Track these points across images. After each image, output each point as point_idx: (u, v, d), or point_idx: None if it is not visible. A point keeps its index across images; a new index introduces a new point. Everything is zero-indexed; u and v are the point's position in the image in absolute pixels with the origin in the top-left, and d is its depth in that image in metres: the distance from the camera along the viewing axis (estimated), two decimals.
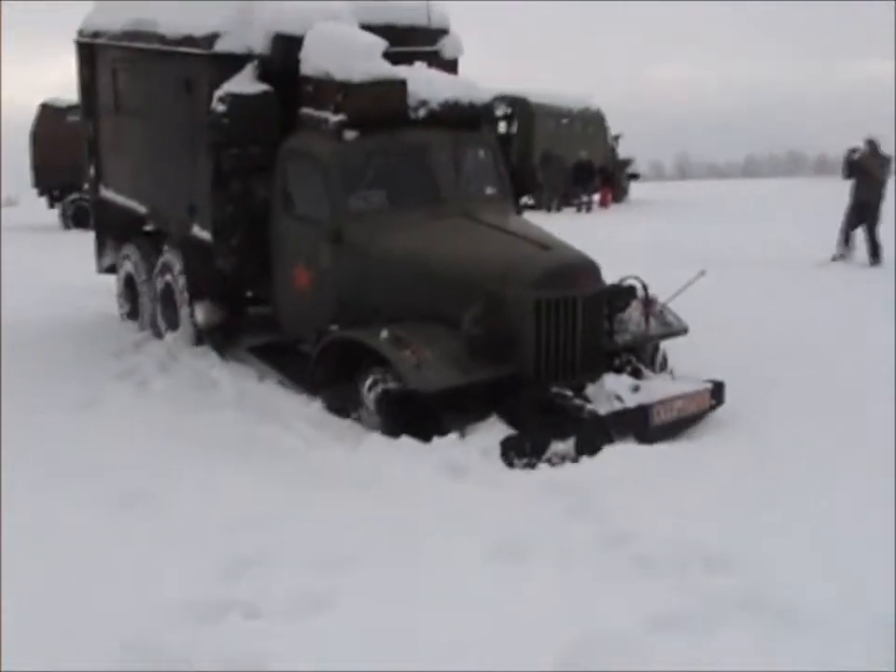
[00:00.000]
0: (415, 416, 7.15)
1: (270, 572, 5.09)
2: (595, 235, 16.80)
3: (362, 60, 8.50)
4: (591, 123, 33.08)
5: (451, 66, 9.99)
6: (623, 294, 8.03)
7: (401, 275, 7.92)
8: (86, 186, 12.91)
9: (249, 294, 10.18)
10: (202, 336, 9.96)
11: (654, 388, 7.60)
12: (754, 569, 5.00)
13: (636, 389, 7.46)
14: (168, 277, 10.34)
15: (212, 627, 4.52)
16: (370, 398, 7.39)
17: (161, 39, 9.89)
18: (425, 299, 7.70)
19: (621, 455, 6.79)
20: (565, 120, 31.81)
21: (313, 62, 8.75)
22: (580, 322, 7.39)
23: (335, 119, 8.45)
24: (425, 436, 6.95)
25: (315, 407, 8.00)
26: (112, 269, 12.18)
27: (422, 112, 8.70)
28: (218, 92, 8.85)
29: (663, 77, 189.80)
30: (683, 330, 8.42)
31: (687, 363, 8.50)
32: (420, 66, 9.12)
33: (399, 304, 7.78)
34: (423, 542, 5.46)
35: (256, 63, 8.98)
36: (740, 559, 5.12)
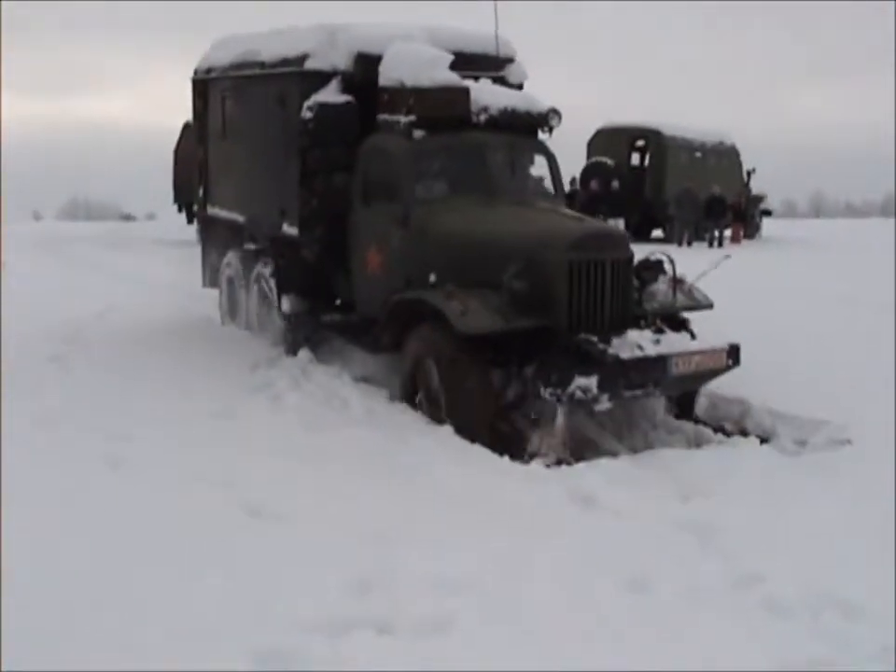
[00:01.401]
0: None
1: (396, 591, 5.12)
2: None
3: (430, 69, 9.80)
4: (724, 157, 32.70)
5: (519, 89, 11.05)
6: (652, 266, 9.10)
7: (456, 249, 9.00)
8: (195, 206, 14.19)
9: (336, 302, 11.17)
10: (289, 328, 10.93)
11: (674, 342, 8.40)
12: (890, 616, 4.88)
13: (657, 342, 8.25)
14: (262, 284, 11.49)
15: (342, 642, 4.57)
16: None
17: (262, 65, 11.39)
18: (475, 268, 8.64)
19: (749, 491, 6.70)
20: (698, 154, 31.52)
21: (388, 74, 10.01)
22: (608, 282, 8.34)
23: (406, 120, 9.72)
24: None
25: (446, 430, 8.05)
26: (214, 283, 13.32)
27: (483, 117, 9.89)
28: (307, 103, 10.27)
29: (799, 109, 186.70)
30: (709, 306, 9.33)
31: None
32: (485, 81, 10.42)
33: (455, 275, 8.61)
34: (549, 571, 5.45)
35: (340, 78, 10.39)
36: (875, 606, 5.00)
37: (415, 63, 9.88)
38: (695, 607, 5.07)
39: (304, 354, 10.48)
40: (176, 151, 28.95)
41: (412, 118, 9.69)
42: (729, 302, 12.83)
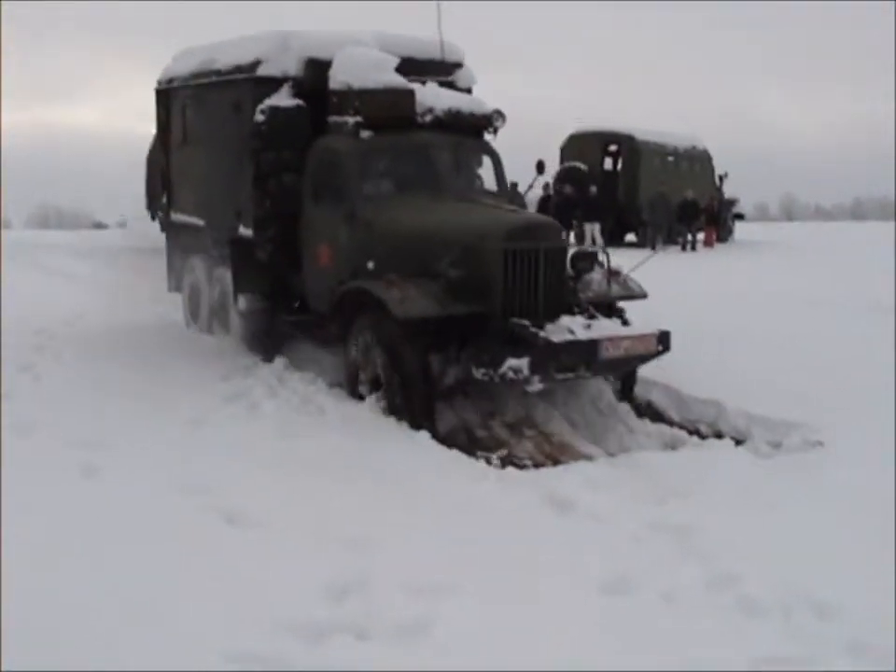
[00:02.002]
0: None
1: (374, 595, 5.12)
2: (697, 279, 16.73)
3: (376, 72, 10.33)
4: (697, 161, 32.89)
5: (467, 93, 11.53)
6: (585, 257, 9.66)
7: (399, 242, 9.44)
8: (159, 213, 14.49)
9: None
10: (247, 326, 11.41)
11: (605, 328, 8.84)
12: (862, 615, 4.93)
13: (588, 327, 8.67)
14: (222, 286, 12.03)
15: (320, 647, 4.57)
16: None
17: (218, 73, 11.86)
18: (417, 259, 9.08)
19: (725, 493, 6.74)
20: (671, 158, 31.70)
21: (337, 77, 10.47)
22: (542, 270, 8.81)
23: (353, 121, 10.21)
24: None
25: (422, 435, 8.07)
26: (180, 287, 13.79)
27: (428, 117, 10.41)
28: (260, 107, 10.67)
29: (767, 113, 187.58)
30: (643, 295, 9.80)
31: None
32: (431, 84, 10.79)
33: (398, 267, 9.04)
34: (525, 573, 5.47)
35: (291, 83, 10.80)
36: (848, 604, 5.04)
37: (362, 67, 10.38)
38: (673, 608, 5.10)
39: (280, 361, 10.50)
40: (149, 158, 28.67)
41: (358, 118, 10.18)
42: (703, 306, 12.92)
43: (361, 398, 9.13)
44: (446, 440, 8.40)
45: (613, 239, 29.51)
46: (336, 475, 7.15)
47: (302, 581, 5.25)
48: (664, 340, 9.02)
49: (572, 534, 6.10)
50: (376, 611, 4.93)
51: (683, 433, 8.91)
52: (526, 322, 8.55)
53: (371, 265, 9.44)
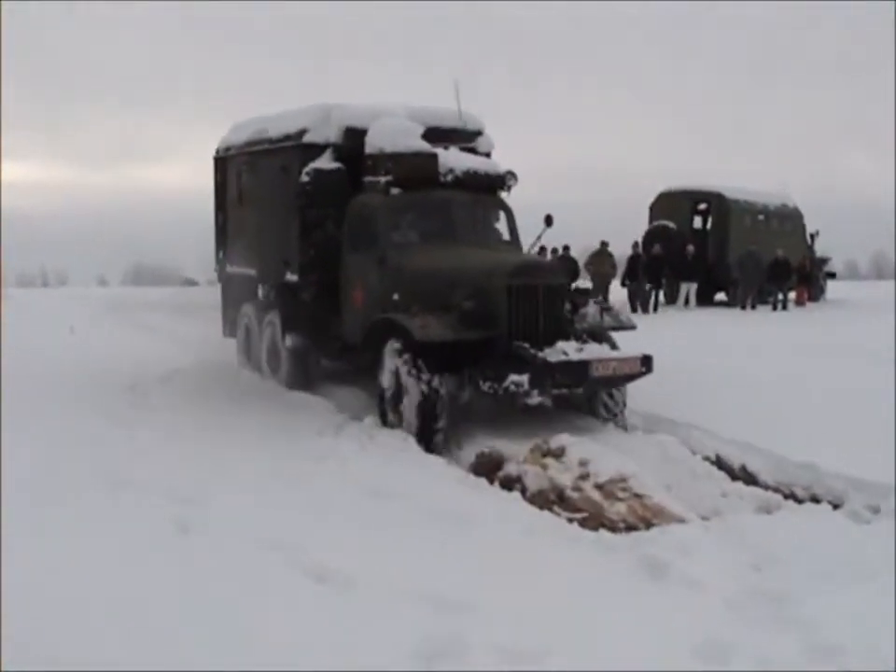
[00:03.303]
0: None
1: (465, 659, 5.07)
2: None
3: (405, 138, 12.09)
4: (787, 220, 32.48)
5: (486, 157, 13.28)
6: (581, 293, 11.89)
7: (422, 282, 11.04)
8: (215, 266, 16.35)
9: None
10: (293, 362, 13.21)
11: (595, 350, 10.57)
12: None
13: (580, 350, 10.33)
14: (272, 329, 13.71)
15: None
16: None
17: (269, 141, 13.71)
18: (437, 295, 10.63)
19: (823, 560, 6.57)
20: (761, 216, 31.35)
21: (372, 143, 12.24)
22: (541, 303, 10.47)
23: (384, 180, 11.87)
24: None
25: (514, 496, 8.05)
26: (233, 333, 15.64)
27: (449, 177, 12.12)
28: (305, 169, 12.45)
29: (855, 170, 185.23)
30: (632, 327, 11.65)
31: None
32: (454, 149, 12.54)
33: (421, 303, 10.66)
34: (617, 638, 5.38)
35: (332, 148, 12.64)
36: None
37: (393, 134, 12.13)
38: None
39: (370, 418, 10.83)
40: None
41: (389, 178, 11.83)
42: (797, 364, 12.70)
43: (386, 416, 10.66)
44: (534, 499, 8.42)
45: (703, 298, 29.30)
46: (427, 534, 7.15)
47: (392, 643, 5.22)
48: (646, 362, 10.64)
49: (666, 599, 5.98)
50: None
51: (778, 497, 8.74)
52: (527, 345, 10.16)
53: (396, 297, 11.09)
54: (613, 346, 11.14)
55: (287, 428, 10.78)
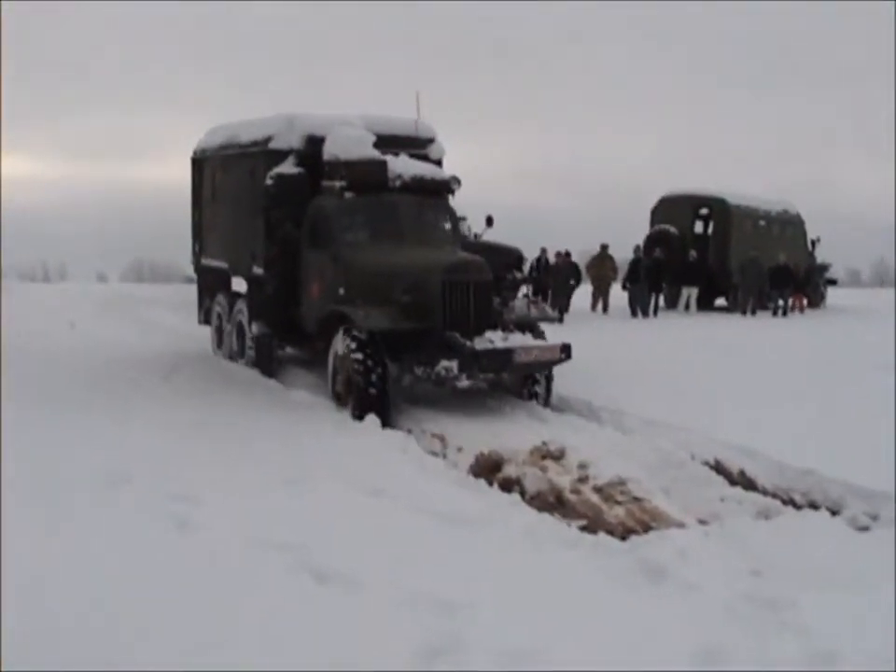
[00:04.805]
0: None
1: (464, 659, 5.08)
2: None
3: (358, 147, 13.33)
4: (789, 226, 32.46)
5: (438, 163, 14.63)
6: (509, 286, 13.95)
7: (369, 277, 12.30)
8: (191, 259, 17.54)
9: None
10: (257, 348, 14.64)
11: (518, 339, 11.88)
12: None
13: (505, 339, 11.67)
14: (240, 317, 15.20)
15: None
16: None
17: (240, 146, 14.96)
18: (382, 291, 11.92)
19: (822, 565, 6.58)
20: (762, 222, 31.33)
21: (329, 150, 13.44)
22: (472, 297, 11.76)
23: (339, 184, 13.09)
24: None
25: (513, 497, 8.04)
26: (207, 320, 17.06)
27: (398, 182, 13.35)
28: (270, 174, 13.61)
29: (858, 178, 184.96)
30: (556, 318, 13.98)
31: None
32: (403, 156, 13.73)
33: (367, 295, 12.01)
34: (616, 641, 5.39)
35: (294, 154, 13.79)
36: None
37: (347, 143, 13.35)
38: None
39: (370, 418, 10.97)
40: None
41: (343, 183, 13.06)
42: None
43: (338, 396, 11.86)
44: (534, 500, 8.42)
45: (703, 303, 29.28)
46: (427, 535, 7.17)
47: (393, 643, 5.23)
48: (566, 350, 12.02)
49: (664, 603, 5.99)
50: None
51: (777, 502, 8.75)
52: (458, 335, 11.41)
53: (342, 292, 12.42)
54: (539, 336, 12.52)
55: (284, 425, 10.89)
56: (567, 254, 26.46)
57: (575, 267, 26.45)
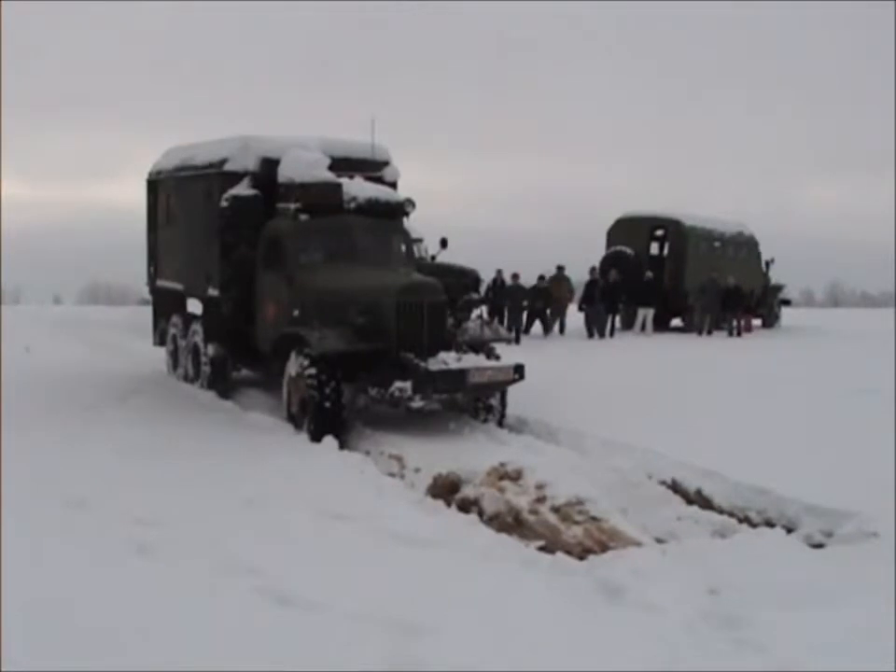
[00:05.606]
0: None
1: None
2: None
3: (312, 169, 13.47)
4: (744, 247, 32.72)
5: (393, 185, 14.82)
6: (462, 307, 13.94)
7: (324, 298, 12.40)
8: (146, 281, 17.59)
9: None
10: (213, 369, 14.59)
11: (472, 360, 12.01)
12: None
13: (459, 359, 11.74)
14: (196, 339, 15.13)
15: None
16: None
17: (195, 168, 15.02)
18: (337, 311, 12.04)
19: (778, 583, 6.62)
20: (717, 244, 31.56)
21: (283, 173, 13.63)
22: (425, 318, 11.86)
23: (294, 206, 13.19)
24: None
25: (471, 518, 8.04)
26: (163, 342, 17.06)
27: (352, 205, 13.47)
28: (225, 195, 13.69)
29: (810, 201, 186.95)
30: (510, 339, 14.41)
31: None
32: (358, 179, 13.90)
33: (323, 317, 12.07)
34: (576, 662, 5.39)
35: (250, 177, 13.90)
36: None
37: (302, 165, 13.48)
38: None
39: (328, 440, 11.04)
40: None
41: (298, 205, 13.16)
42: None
43: (294, 418, 11.92)
44: (492, 521, 8.43)
45: (659, 323, 29.46)
46: (386, 557, 7.16)
47: (353, 665, 5.22)
48: (519, 370, 12.14)
49: (623, 622, 6.01)
50: None
51: (733, 521, 8.81)
52: (412, 355, 11.46)
53: (296, 314, 12.53)
54: (492, 356, 12.58)
55: (242, 447, 10.89)
56: (515, 276, 26.37)
57: (525, 289, 26.37)
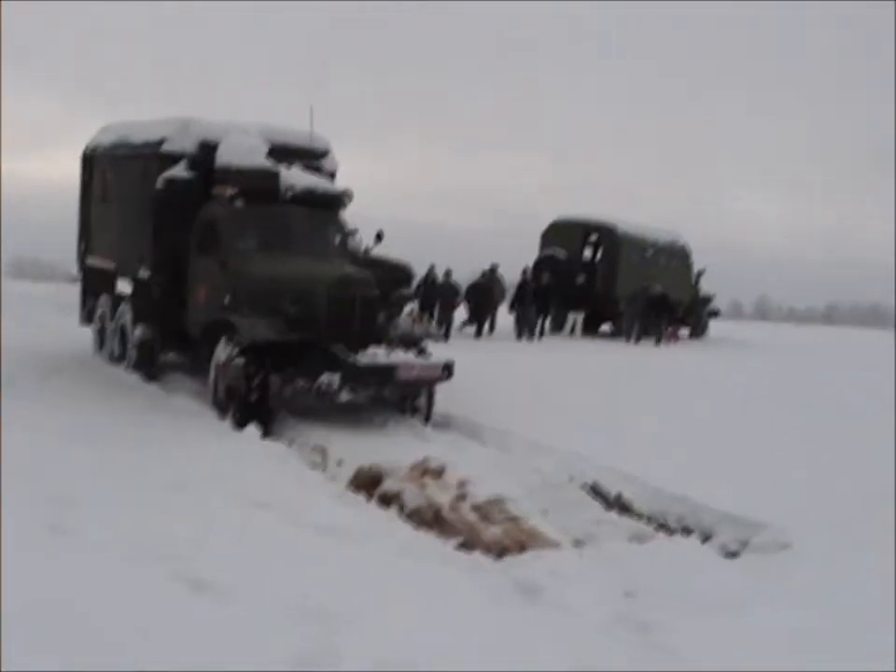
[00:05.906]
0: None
1: (338, 669, 5.06)
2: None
3: (251, 156, 13.41)
4: (675, 257, 32.97)
5: (331, 176, 15.04)
6: (395, 302, 13.86)
7: (257, 286, 12.38)
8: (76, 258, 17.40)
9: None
10: (140, 352, 14.48)
11: (401, 356, 12.08)
12: None
13: (388, 355, 11.88)
14: (124, 319, 15.08)
15: None
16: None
17: (132, 147, 14.95)
18: (269, 299, 12.04)
19: (691, 590, 6.70)
20: (650, 252, 31.78)
21: (221, 158, 13.47)
22: (357, 311, 12.00)
23: (230, 192, 13.16)
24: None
25: (391, 513, 8.04)
26: (90, 321, 16.99)
27: (289, 193, 13.41)
28: (161, 177, 13.62)
29: (742, 213, 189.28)
30: (440, 336, 13.99)
31: None
32: (296, 167, 13.85)
33: (255, 304, 12.10)
34: (489, 659, 5.40)
35: (187, 159, 13.75)
36: None
37: (240, 151, 13.39)
38: None
39: (251, 428, 11.01)
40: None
41: (234, 191, 13.12)
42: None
43: (220, 405, 11.86)
44: (412, 516, 8.42)
45: (589, 328, 29.66)
46: (304, 548, 7.12)
47: (266, 653, 5.19)
48: (448, 368, 12.32)
49: (537, 622, 6.05)
50: None
51: (650, 528, 8.89)
52: (341, 348, 11.53)
53: (227, 300, 12.45)
54: (422, 353, 12.62)
55: (164, 431, 10.78)
56: (447, 273, 26.33)
57: (456, 287, 26.36)
